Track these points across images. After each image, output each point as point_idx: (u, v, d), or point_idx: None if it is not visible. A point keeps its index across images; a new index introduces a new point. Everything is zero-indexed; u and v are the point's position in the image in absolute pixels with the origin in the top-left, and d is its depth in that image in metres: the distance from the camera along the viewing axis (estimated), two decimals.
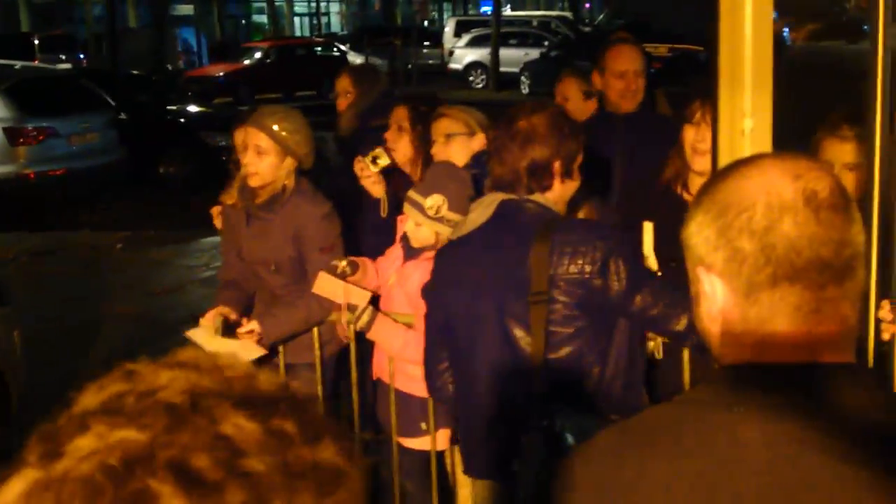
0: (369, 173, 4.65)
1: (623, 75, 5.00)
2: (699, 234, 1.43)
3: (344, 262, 4.11)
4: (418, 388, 4.08)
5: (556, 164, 3.16)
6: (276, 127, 4.25)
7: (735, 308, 1.41)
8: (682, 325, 3.01)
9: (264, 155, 4.25)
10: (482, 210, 3.27)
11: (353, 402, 4.34)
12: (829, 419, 1.32)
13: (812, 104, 4.53)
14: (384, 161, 4.63)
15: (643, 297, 3.02)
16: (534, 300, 3.05)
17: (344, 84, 5.94)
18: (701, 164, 3.74)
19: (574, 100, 5.57)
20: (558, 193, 3.21)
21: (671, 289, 3.03)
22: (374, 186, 4.68)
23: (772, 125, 2.59)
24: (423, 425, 4.13)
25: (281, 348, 4.35)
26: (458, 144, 4.42)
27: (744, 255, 1.38)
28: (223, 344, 4.16)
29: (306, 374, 4.30)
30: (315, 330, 4.30)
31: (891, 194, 2.58)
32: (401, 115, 4.83)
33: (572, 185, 3.25)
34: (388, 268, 4.24)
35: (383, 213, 4.70)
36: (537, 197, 3.19)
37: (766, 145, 2.57)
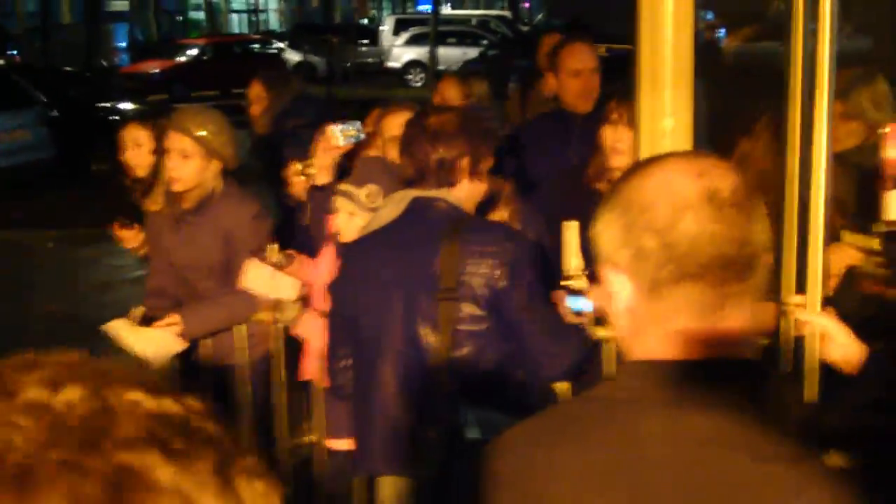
0: (298, 181, 4.53)
1: (578, 74, 4.98)
2: (605, 232, 1.45)
3: (276, 249, 4.06)
4: None
5: (464, 162, 3.20)
6: (200, 130, 4.19)
7: (640, 305, 1.43)
8: (550, 347, 3.11)
9: (189, 159, 4.19)
10: (393, 206, 3.29)
11: (281, 405, 4.31)
12: (727, 415, 1.33)
13: (746, 104, 4.58)
14: (312, 171, 4.54)
15: (531, 314, 3.08)
16: (443, 297, 3.07)
17: (256, 91, 5.96)
18: (620, 162, 3.77)
19: (452, 101, 5.62)
20: (466, 192, 3.24)
21: (559, 320, 3.15)
22: (324, 171, 4.44)
23: (692, 124, 2.62)
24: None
25: (210, 348, 4.31)
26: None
27: (647, 252, 1.39)
28: (141, 335, 4.11)
29: (236, 376, 4.28)
30: (244, 330, 4.26)
31: (806, 193, 2.61)
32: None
33: (480, 186, 3.29)
34: (322, 268, 4.22)
35: (305, 220, 4.66)
36: (444, 193, 3.21)
37: (686, 144, 2.59)
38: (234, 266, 4.24)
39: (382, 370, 3.23)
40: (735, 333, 1.40)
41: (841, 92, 4.00)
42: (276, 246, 4.06)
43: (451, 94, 5.78)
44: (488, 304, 3.06)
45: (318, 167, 4.38)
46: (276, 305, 4.08)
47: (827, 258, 2.68)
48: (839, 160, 3.75)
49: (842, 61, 3.04)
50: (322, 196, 4.42)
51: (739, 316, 1.40)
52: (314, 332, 4.00)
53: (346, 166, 4.28)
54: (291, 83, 6.26)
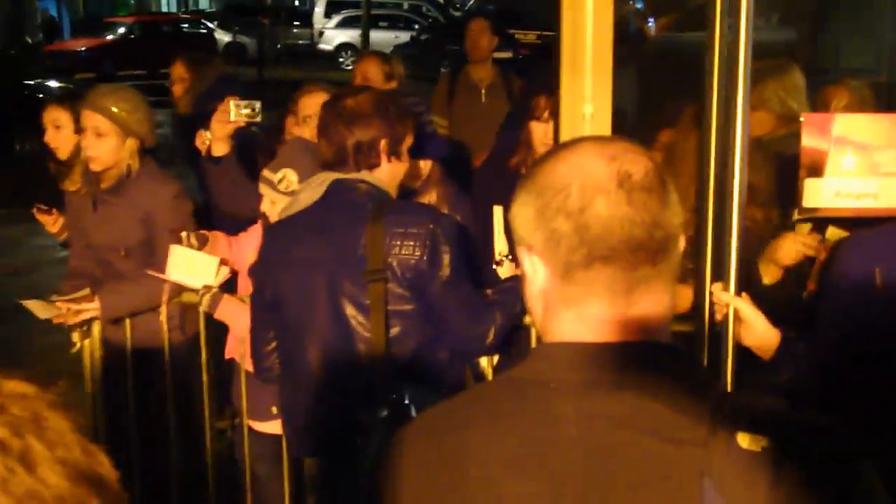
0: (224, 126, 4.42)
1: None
2: (520, 215, 1.46)
3: (191, 235, 4.03)
4: None
5: (382, 143, 3.20)
6: (113, 108, 4.13)
7: (554, 288, 1.44)
8: (468, 329, 3.13)
9: (104, 137, 4.13)
10: (312, 189, 3.27)
11: (203, 386, 4.29)
12: (639, 397, 1.35)
13: (673, 92, 4.64)
14: (256, 117, 4.48)
15: (453, 294, 3.09)
16: (371, 279, 3.07)
17: (179, 71, 5.90)
18: None
19: (375, 81, 5.60)
20: (386, 173, 3.24)
21: (481, 299, 3.17)
22: (220, 143, 4.44)
23: (611, 111, 2.65)
24: (274, 409, 4.09)
25: (128, 332, 4.27)
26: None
27: (559, 235, 1.40)
28: (56, 311, 4.08)
29: (157, 359, 4.24)
30: (163, 313, 4.23)
31: (725, 180, 2.66)
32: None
33: (401, 167, 3.29)
34: (248, 245, 4.19)
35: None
36: (365, 175, 3.20)
37: (605, 130, 2.63)
38: (154, 247, 4.20)
39: (308, 353, 3.21)
40: (648, 317, 1.42)
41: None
42: (191, 234, 4.02)
43: (372, 73, 5.72)
44: (412, 284, 3.06)
45: (214, 139, 4.38)
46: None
47: (745, 244, 2.73)
48: (757, 147, 3.83)
49: (766, 51, 3.09)
50: (218, 169, 4.42)
51: (652, 300, 1.42)
52: (236, 316, 3.97)
53: (273, 149, 4.26)
54: (215, 63, 6.20)
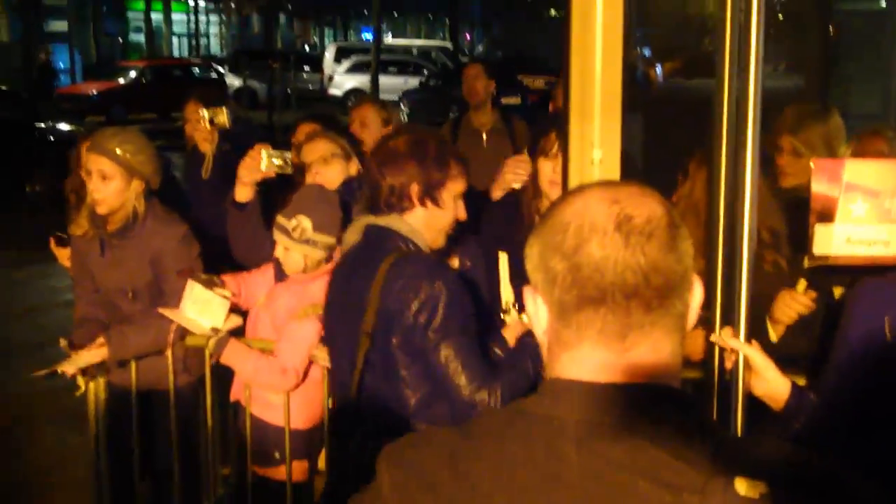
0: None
1: None
2: (528, 254, 1.46)
3: (204, 278, 4.03)
4: (274, 416, 4.04)
5: (414, 187, 3.14)
6: (118, 150, 4.13)
7: (552, 328, 1.44)
8: (468, 391, 3.00)
9: (109, 180, 4.13)
10: (353, 233, 3.28)
11: (207, 429, 4.27)
12: (640, 440, 1.34)
13: (680, 138, 4.65)
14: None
15: (455, 353, 3.01)
16: (362, 332, 3.07)
17: (192, 109, 5.89)
18: (558, 194, 3.79)
19: (372, 127, 5.55)
20: (421, 218, 3.17)
21: (476, 355, 3.04)
22: (246, 188, 4.45)
23: (620, 155, 2.65)
24: (277, 454, 4.07)
25: (138, 373, 4.26)
26: (335, 166, 4.40)
27: (555, 274, 1.40)
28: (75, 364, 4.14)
29: (162, 402, 4.23)
30: (168, 356, 4.22)
31: (735, 227, 2.65)
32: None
33: (441, 213, 3.20)
34: (260, 286, 4.19)
35: (205, 173, 4.68)
36: (394, 220, 3.16)
37: (614, 175, 2.62)
38: (161, 289, 4.19)
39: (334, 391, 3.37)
40: (647, 363, 1.40)
41: (793, 128, 4.10)
42: (203, 277, 4.02)
43: (369, 119, 5.64)
44: (403, 340, 3.04)
45: (240, 183, 4.38)
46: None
47: (758, 288, 2.71)
48: (790, 196, 3.83)
49: (774, 98, 3.09)
50: (241, 215, 4.41)
51: (650, 346, 1.40)
52: (241, 360, 3.96)
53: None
54: (228, 104, 6.23)
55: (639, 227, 1.38)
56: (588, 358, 1.41)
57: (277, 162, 4.34)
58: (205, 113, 4.74)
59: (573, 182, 2.62)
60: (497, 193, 4.25)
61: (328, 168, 4.37)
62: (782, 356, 2.79)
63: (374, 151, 3.26)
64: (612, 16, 2.55)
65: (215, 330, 3.94)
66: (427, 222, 3.19)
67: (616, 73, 2.59)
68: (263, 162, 4.32)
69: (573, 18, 2.57)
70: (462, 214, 3.25)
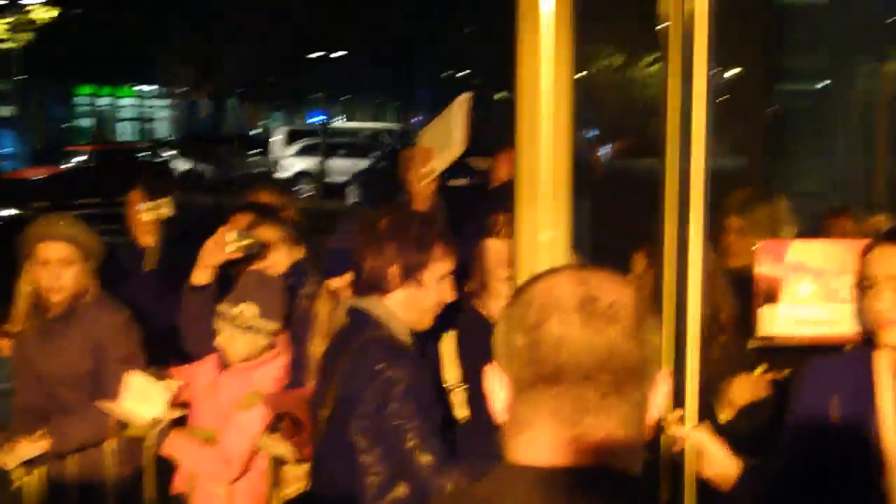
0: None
1: None
2: (496, 330, 1.46)
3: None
4: None
5: (393, 269, 3.14)
6: (72, 231, 4.09)
7: (509, 406, 1.42)
8: (428, 472, 2.95)
9: (71, 265, 4.07)
10: (342, 314, 3.33)
11: None
12: None
13: (629, 219, 4.67)
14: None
15: (405, 434, 2.97)
16: (322, 415, 3.08)
17: (137, 198, 5.80)
18: (505, 274, 3.78)
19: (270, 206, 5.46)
20: (401, 300, 3.17)
21: (436, 438, 3.01)
22: (206, 271, 4.25)
23: (570, 237, 2.63)
24: None
25: (77, 464, 4.14)
26: (281, 251, 4.36)
27: (516, 350, 1.39)
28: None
29: (100, 496, 4.11)
30: (112, 445, 4.11)
31: (680, 311, 2.64)
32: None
33: (422, 294, 3.18)
34: (201, 377, 4.11)
35: (146, 265, 4.60)
36: (372, 303, 3.16)
37: (563, 257, 2.60)
38: (102, 377, 4.10)
39: None
40: (601, 444, 1.37)
41: (740, 208, 4.16)
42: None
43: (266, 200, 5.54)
44: (363, 423, 3.01)
45: (200, 265, 4.25)
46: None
47: (706, 373, 2.70)
48: (737, 276, 3.85)
49: (718, 178, 3.12)
50: (198, 298, 4.27)
51: (605, 427, 1.37)
52: (183, 451, 3.86)
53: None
54: (173, 192, 6.16)
55: (601, 310, 1.37)
56: (540, 439, 1.38)
57: (246, 242, 4.22)
58: (146, 205, 4.62)
59: (522, 263, 2.59)
60: None
61: (274, 254, 4.33)
62: (729, 437, 2.77)
63: (359, 233, 3.27)
64: (561, 96, 2.55)
65: (156, 421, 3.84)
66: (408, 303, 3.18)
67: (565, 154, 2.58)
68: (231, 245, 4.22)
69: (521, 99, 2.56)
70: (449, 296, 3.24)
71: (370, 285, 3.18)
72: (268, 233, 4.38)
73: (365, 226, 3.26)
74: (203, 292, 4.24)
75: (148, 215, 4.76)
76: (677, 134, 2.68)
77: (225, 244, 4.15)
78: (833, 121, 9.42)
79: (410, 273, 3.15)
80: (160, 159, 31.16)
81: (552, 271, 1.46)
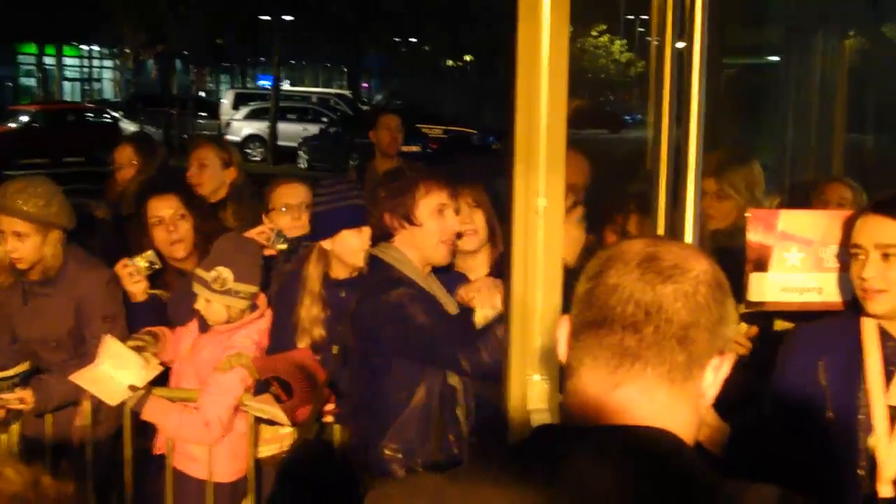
0: (133, 273, 4.31)
1: None
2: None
3: (144, 338, 3.94)
4: (197, 470, 3.95)
5: (387, 217, 3.44)
6: (26, 207, 4.01)
7: (567, 351, 1.47)
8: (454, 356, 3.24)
9: (25, 237, 4.02)
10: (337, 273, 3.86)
11: (125, 480, 4.13)
12: (626, 487, 1.33)
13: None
14: (156, 265, 4.38)
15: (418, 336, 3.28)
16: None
17: (127, 154, 5.77)
18: (471, 245, 3.81)
19: (212, 167, 5.42)
20: (407, 240, 3.44)
21: (449, 323, 3.32)
22: (136, 286, 4.32)
23: (563, 205, 2.67)
24: None
25: (53, 425, 4.12)
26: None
27: (577, 296, 1.44)
28: None
29: (77, 455, 4.09)
30: (89, 406, 4.10)
31: None
32: None
33: (421, 231, 3.43)
34: (184, 340, 4.11)
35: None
36: (381, 249, 3.47)
37: (559, 223, 2.64)
38: (83, 335, 4.09)
39: None
40: (634, 405, 1.40)
41: (716, 171, 4.20)
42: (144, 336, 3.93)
43: (209, 160, 5.42)
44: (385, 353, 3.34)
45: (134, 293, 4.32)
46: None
47: None
48: (714, 239, 3.91)
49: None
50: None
51: (640, 387, 1.40)
52: (164, 415, 3.86)
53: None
54: (160, 151, 6.15)
55: (659, 268, 1.40)
56: (581, 386, 1.42)
57: (143, 264, 4.33)
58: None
59: (517, 231, 2.62)
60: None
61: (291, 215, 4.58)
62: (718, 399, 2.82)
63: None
64: (558, 68, 2.58)
65: (133, 388, 3.82)
66: (413, 242, 3.45)
67: (561, 124, 2.61)
68: (134, 276, 4.29)
69: (519, 68, 2.59)
70: (451, 225, 3.48)
71: (379, 235, 3.50)
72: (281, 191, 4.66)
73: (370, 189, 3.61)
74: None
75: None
76: (672, 102, 2.72)
77: (128, 276, 4.26)
78: (786, 95, 9.50)
79: (402, 215, 3.42)
80: (107, 120, 30.73)
81: (635, 235, 1.50)
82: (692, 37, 2.54)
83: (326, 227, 3.85)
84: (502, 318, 2.90)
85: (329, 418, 3.80)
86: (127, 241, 4.75)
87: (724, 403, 2.75)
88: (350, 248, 3.82)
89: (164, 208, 4.37)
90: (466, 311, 3.38)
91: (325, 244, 3.86)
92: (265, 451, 3.98)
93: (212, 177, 5.24)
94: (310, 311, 3.84)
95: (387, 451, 3.30)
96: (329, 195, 3.88)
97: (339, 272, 3.90)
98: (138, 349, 3.89)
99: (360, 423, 3.49)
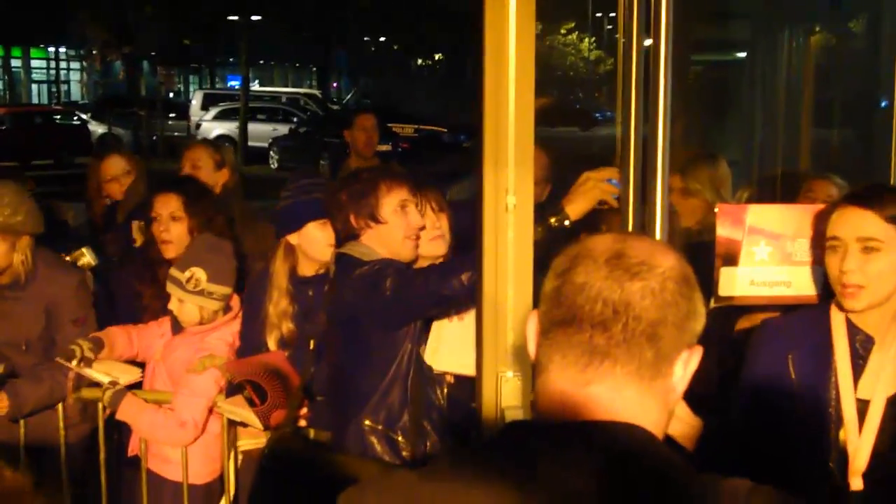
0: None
1: None
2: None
3: (84, 347, 3.89)
4: (172, 472, 3.95)
5: (353, 219, 3.47)
6: None
7: (536, 349, 1.48)
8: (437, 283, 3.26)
9: None
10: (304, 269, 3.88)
11: (101, 486, 4.12)
12: (603, 481, 1.34)
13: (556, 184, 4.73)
14: (84, 261, 4.51)
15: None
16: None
17: (120, 165, 5.75)
18: (436, 250, 3.79)
19: (205, 168, 5.42)
20: (374, 238, 3.46)
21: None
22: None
23: (533, 201, 2.69)
24: None
25: (28, 427, 4.10)
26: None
27: (545, 294, 1.45)
28: None
29: (53, 458, 4.08)
30: (60, 410, 4.09)
31: None
32: None
33: (386, 228, 3.47)
34: (156, 338, 4.10)
35: None
36: (349, 245, 3.47)
37: (528, 220, 2.66)
38: (53, 339, 4.08)
39: None
40: (604, 402, 1.40)
41: (682, 168, 4.23)
42: (83, 346, 3.89)
43: (202, 162, 5.44)
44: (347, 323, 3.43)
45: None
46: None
47: None
48: (686, 237, 3.94)
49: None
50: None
51: (609, 385, 1.40)
52: (138, 415, 3.85)
53: None
54: (141, 162, 6.14)
55: (627, 265, 1.41)
56: (551, 384, 1.43)
57: (83, 261, 4.53)
58: (83, 253, 4.58)
59: (488, 228, 2.64)
60: None
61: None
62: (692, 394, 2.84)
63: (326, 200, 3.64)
64: (524, 65, 2.60)
65: (113, 382, 3.83)
66: (380, 240, 3.47)
67: (528, 122, 2.64)
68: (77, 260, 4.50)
69: (486, 67, 2.61)
70: (414, 221, 3.52)
71: (345, 236, 3.50)
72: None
73: (328, 192, 3.62)
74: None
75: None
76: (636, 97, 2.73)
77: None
78: (753, 91, 9.56)
79: (367, 215, 3.45)
80: (76, 123, 30.52)
81: (603, 232, 1.50)
82: (658, 34, 2.55)
83: (292, 220, 3.85)
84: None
85: (303, 423, 3.79)
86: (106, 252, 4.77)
87: (695, 397, 2.78)
88: (316, 241, 3.83)
89: (162, 206, 4.29)
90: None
91: (292, 238, 3.86)
92: (247, 444, 3.96)
93: (205, 178, 5.24)
94: (277, 306, 3.84)
95: (366, 423, 3.34)
96: (293, 190, 3.90)
97: (306, 269, 3.90)
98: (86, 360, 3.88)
99: (338, 403, 3.51)
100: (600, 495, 1.33)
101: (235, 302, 3.99)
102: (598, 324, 1.39)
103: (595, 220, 3.84)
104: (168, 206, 4.28)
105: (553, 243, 2.71)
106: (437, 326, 3.47)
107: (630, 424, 1.40)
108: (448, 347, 3.45)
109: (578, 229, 4.12)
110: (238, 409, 3.64)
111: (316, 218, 3.80)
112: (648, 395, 1.42)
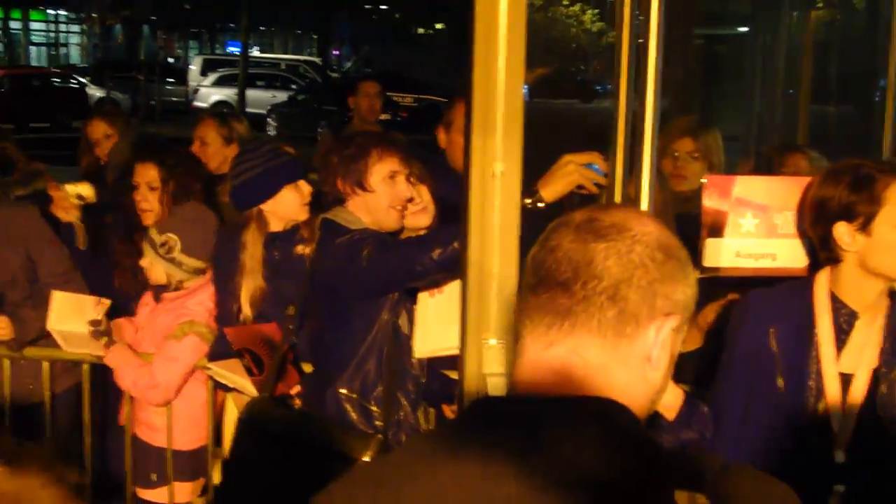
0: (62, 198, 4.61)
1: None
2: None
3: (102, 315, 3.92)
4: (157, 438, 3.97)
5: (339, 183, 3.42)
6: None
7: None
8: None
9: None
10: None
11: (84, 445, 4.13)
12: (568, 457, 1.30)
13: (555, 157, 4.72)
14: (86, 199, 4.63)
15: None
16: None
17: (102, 128, 5.69)
18: (421, 221, 3.77)
19: (213, 144, 5.44)
20: (360, 205, 3.41)
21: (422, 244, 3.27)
22: (67, 213, 4.62)
23: (521, 169, 2.68)
24: (154, 476, 3.98)
25: (11, 384, 4.11)
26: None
27: (526, 263, 1.45)
28: None
29: (37, 418, 4.09)
30: (45, 364, 4.10)
31: None
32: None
33: (373, 197, 3.41)
34: (142, 308, 4.12)
35: (80, 244, 4.58)
36: (335, 211, 3.42)
37: (516, 188, 2.65)
38: (38, 264, 4.16)
39: None
40: (568, 366, 1.38)
41: (691, 131, 4.24)
42: (101, 315, 3.92)
43: (209, 138, 5.47)
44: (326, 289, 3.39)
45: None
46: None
47: None
48: (686, 201, 3.95)
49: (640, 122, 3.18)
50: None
51: (570, 346, 1.38)
52: (125, 365, 3.89)
53: None
54: (126, 118, 6.11)
55: (595, 228, 1.39)
56: (522, 351, 1.42)
57: (72, 192, 4.65)
58: (68, 189, 4.62)
59: (475, 195, 2.63)
60: None
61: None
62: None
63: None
64: (515, 32, 2.58)
65: (95, 322, 3.83)
66: (365, 208, 3.42)
67: (518, 89, 2.62)
68: (63, 202, 4.58)
69: (477, 33, 2.59)
70: (402, 192, 3.45)
71: (331, 201, 3.45)
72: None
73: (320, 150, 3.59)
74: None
75: (70, 197, 4.67)
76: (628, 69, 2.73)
77: (65, 201, 4.54)
78: (751, 65, 9.55)
79: (355, 181, 3.40)
80: (74, 86, 30.42)
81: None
82: (649, 6, 2.54)
83: (265, 188, 3.81)
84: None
85: (297, 402, 3.78)
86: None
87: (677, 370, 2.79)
88: (289, 203, 3.81)
89: (140, 175, 4.28)
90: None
91: (266, 205, 3.82)
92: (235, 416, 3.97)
93: (214, 154, 5.24)
94: (248, 279, 3.80)
95: (342, 391, 3.31)
96: (258, 158, 3.84)
97: (275, 226, 3.86)
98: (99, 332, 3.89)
99: (318, 369, 3.52)
100: (563, 473, 1.30)
101: (207, 273, 4.00)
102: (560, 283, 1.38)
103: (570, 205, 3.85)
104: (146, 176, 4.25)
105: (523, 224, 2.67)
106: (420, 314, 3.45)
107: (595, 398, 1.37)
108: (432, 330, 3.43)
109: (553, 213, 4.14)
110: (235, 376, 3.64)
111: (290, 181, 3.79)
112: (615, 359, 1.39)
